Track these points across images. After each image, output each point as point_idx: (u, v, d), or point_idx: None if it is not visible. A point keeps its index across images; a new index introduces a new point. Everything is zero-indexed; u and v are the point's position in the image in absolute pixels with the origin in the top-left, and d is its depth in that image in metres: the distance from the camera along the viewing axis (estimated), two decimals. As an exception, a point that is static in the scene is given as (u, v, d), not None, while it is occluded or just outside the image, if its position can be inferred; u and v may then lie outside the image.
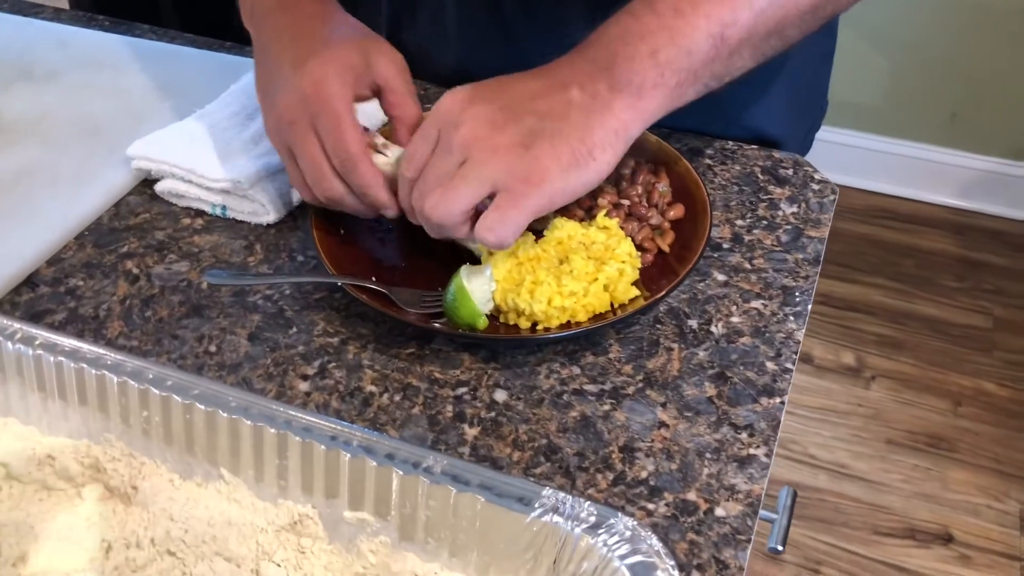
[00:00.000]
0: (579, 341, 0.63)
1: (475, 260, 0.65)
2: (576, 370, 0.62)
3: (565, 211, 0.70)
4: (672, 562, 0.42)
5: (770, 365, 0.62)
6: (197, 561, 0.48)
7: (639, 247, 0.67)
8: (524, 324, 0.62)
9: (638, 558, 0.42)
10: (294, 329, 0.65)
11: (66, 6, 1.42)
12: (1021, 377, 1.82)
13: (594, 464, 0.56)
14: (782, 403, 0.59)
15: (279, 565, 0.48)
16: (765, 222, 0.74)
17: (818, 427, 1.73)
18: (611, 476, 0.55)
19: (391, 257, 0.69)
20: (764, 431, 0.57)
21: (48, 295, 0.68)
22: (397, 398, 0.60)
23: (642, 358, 0.62)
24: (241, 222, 0.74)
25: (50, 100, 0.87)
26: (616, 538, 0.42)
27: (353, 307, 0.66)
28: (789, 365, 0.62)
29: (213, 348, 0.64)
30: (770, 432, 0.57)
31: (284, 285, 0.68)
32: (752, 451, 0.56)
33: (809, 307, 0.66)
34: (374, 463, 0.46)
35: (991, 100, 2.08)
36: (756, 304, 0.66)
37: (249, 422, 0.49)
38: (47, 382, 0.53)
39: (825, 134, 0.97)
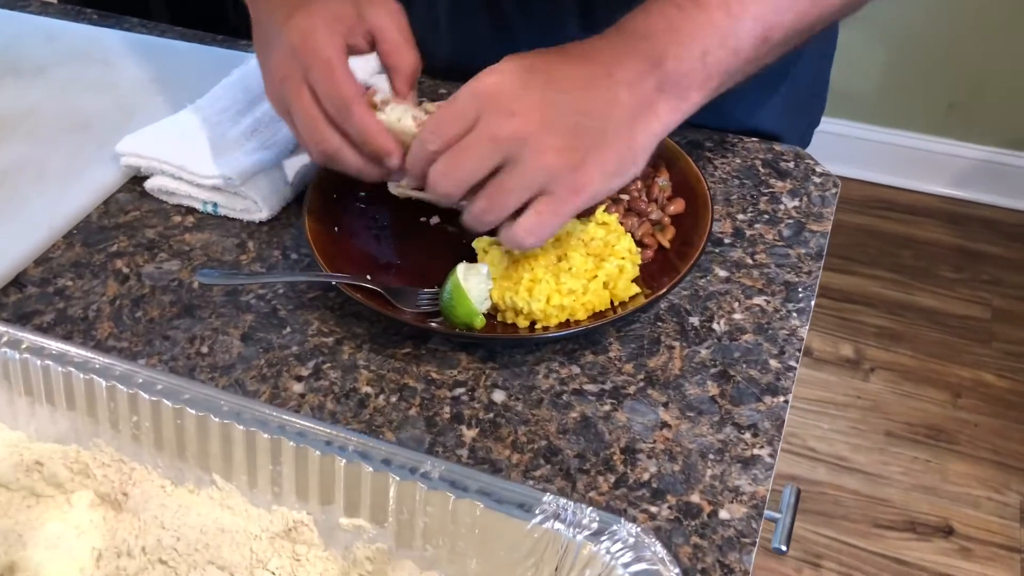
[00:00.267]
0: (578, 340, 0.62)
1: (472, 258, 0.64)
2: (576, 369, 0.60)
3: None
4: (677, 569, 0.41)
5: (773, 363, 0.61)
6: (189, 570, 0.47)
7: (639, 243, 0.66)
8: (522, 323, 0.61)
9: (642, 566, 0.41)
10: (288, 329, 0.64)
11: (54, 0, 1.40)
12: (1020, 368, 1.81)
13: (595, 466, 0.54)
14: (786, 402, 0.58)
15: (273, 573, 0.47)
16: (767, 216, 0.72)
17: (817, 420, 1.73)
18: (612, 478, 0.54)
19: (386, 254, 0.68)
20: (768, 431, 0.56)
21: (36, 296, 0.66)
22: (393, 399, 0.59)
23: (643, 357, 0.61)
24: (233, 219, 0.73)
25: (37, 95, 0.86)
26: (619, 545, 0.41)
27: (348, 306, 0.65)
28: (793, 363, 0.61)
29: (205, 349, 0.62)
30: (774, 432, 0.56)
31: (277, 284, 0.67)
32: (756, 451, 0.55)
33: (812, 303, 0.65)
34: (370, 468, 0.45)
35: (988, 90, 2.07)
36: (758, 300, 0.65)
37: (241, 427, 0.48)
38: (34, 386, 0.52)
39: (822, 124, 0.96)
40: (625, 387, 0.59)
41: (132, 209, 0.74)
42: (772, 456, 0.55)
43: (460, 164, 0.55)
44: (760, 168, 0.77)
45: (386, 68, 0.65)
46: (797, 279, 0.67)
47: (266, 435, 0.47)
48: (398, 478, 0.45)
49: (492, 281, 0.61)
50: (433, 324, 0.60)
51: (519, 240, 0.56)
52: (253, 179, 0.72)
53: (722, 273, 0.67)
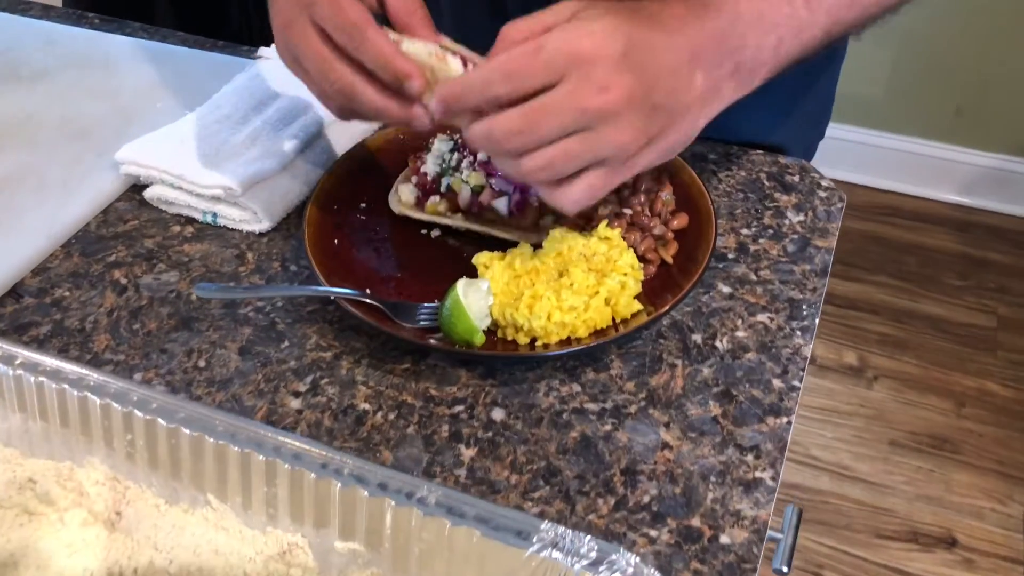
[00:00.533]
0: (579, 356, 0.61)
1: (473, 272, 0.63)
2: (576, 387, 0.60)
3: (565, 221, 0.68)
4: (676, 601, 0.40)
5: (776, 383, 0.60)
6: (182, 592, 0.46)
7: (641, 258, 0.65)
8: (523, 340, 0.60)
9: (641, 597, 0.40)
10: (286, 343, 0.63)
11: (56, 1, 1.39)
12: (1025, 377, 1.80)
13: (595, 488, 0.54)
14: (789, 423, 0.57)
15: (268, 596, 0.46)
16: (771, 231, 0.72)
17: (820, 428, 1.72)
18: (612, 501, 0.53)
19: (387, 268, 0.67)
20: (771, 453, 0.56)
21: (33, 307, 0.66)
22: (391, 416, 0.58)
23: (645, 375, 0.60)
24: (232, 230, 0.72)
25: (37, 101, 0.85)
26: (618, 575, 0.41)
27: (347, 320, 0.64)
28: (796, 383, 0.60)
29: (202, 363, 0.62)
30: (777, 454, 0.56)
31: (276, 297, 0.66)
32: (758, 474, 0.54)
33: (816, 321, 0.64)
34: (366, 493, 0.44)
35: (996, 96, 2.06)
36: (762, 318, 0.64)
37: (236, 448, 0.47)
38: (28, 403, 0.51)
39: (827, 130, 0.95)
40: (626, 406, 0.58)
41: (131, 218, 0.74)
42: (774, 479, 0.54)
43: (538, 125, 0.52)
44: (765, 181, 0.76)
45: (384, 7, 0.61)
46: (801, 296, 0.66)
47: (261, 457, 0.46)
48: (394, 503, 0.44)
49: (492, 297, 0.60)
50: (432, 341, 0.59)
51: (566, 207, 0.55)
52: (253, 189, 0.71)
53: (725, 289, 0.67)
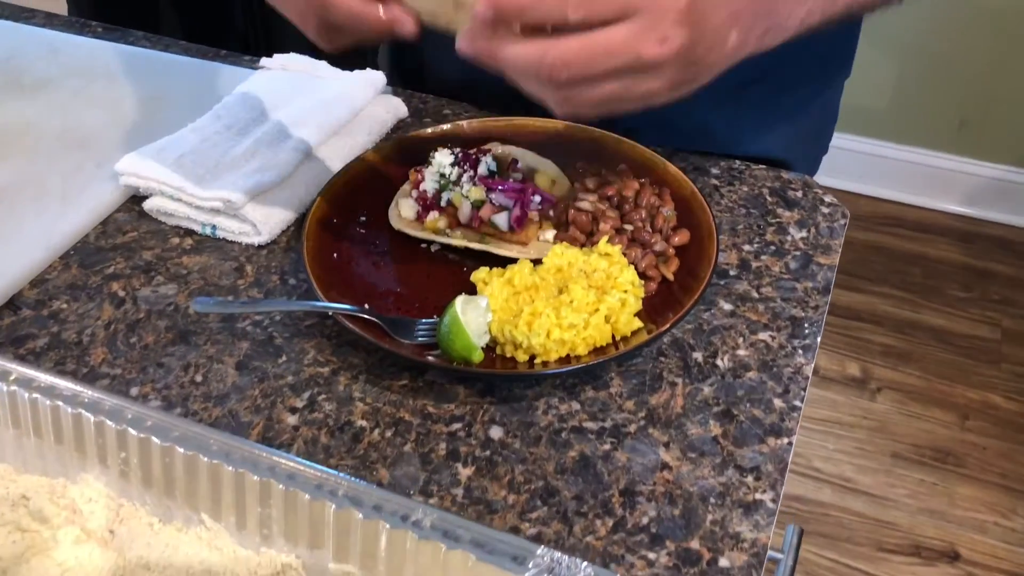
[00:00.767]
0: (579, 374, 0.61)
1: (472, 289, 0.63)
2: (576, 405, 0.59)
3: (566, 237, 0.68)
4: (674, 629, 0.39)
5: (778, 402, 0.59)
6: (175, 613, 0.46)
7: (642, 275, 0.65)
8: (521, 357, 0.60)
9: (638, 625, 0.39)
10: (284, 358, 0.63)
11: (61, 10, 1.39)
12: (1029, 390, 1.80)
13: (593, 509, 0.53)
14: (790, 444, 0.57)
15: (261, 618, 0.46)
16: (773, 247, 0.71)
17: (823, 439, 1.71)
18: (611, 522, 0.52)
19: (386, 282, 0.67)
20: (771, 474, 0.55)
21: (30, 319, 0.65)
22: (388, 434, 0.58)
23: (644, 393, 0.60)
24: (232, 242, 0.72)
25: (38, 110, 0.85)
26: (614, 602, 0.40)
27: (345, 335, 0.64)
28: (797, 403, 0.59)
29: (199, 378, 0.61)
30: (777, 475, 0.55)
31: (274, 311, 0.66)
32: (758, 496, 0.54)
33: (818, 339, 0.64)
34: (360, 515, 0.44)
35: (1000, 108, 2.05)
36: (763, 336, 0.64)
37: (231, 468, 0.46)
38: (22, 419, 0.51)
39: (832, 140, 0.95)
40: (626, 425, 0.58)
41: (130, 230, 0.73)
42: (775, 501, 0.54)
43: (594, 63, 0.51)
44: (767, 197, 0.76)
45: None
46: (803, 314, 0.65)
47: (256, 477, 0.46)
48: (389, 525, 0.44)
49: (491, 314, 0.60)
50: (430, 358, 0.59)
51: (573, 116, 0.55)
52: (253, 202, 0.71)
53: (727, 307, 0.66)
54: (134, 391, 0.60)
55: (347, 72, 0.85)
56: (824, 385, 1.80)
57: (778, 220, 0.74)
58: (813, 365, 0.62)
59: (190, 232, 0.73)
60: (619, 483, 0.55)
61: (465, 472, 0.55)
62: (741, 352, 0.63)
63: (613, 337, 0.61)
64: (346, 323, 0.60)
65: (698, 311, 0.65)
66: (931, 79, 2.06)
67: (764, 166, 0.79)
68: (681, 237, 0.67)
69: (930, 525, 1.57)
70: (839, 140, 2.34)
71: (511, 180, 0.70)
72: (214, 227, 0.72)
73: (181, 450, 0.47)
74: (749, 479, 0.55)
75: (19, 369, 0.51)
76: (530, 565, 0.42)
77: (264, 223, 0.71)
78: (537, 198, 0.69)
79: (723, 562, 0.51)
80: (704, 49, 0.53)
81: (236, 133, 0.77)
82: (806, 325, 0.65)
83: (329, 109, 0.79)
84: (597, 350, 0.60)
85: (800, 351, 0.63)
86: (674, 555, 0.51)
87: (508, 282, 0.62)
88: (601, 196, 0.69)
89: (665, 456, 0.56)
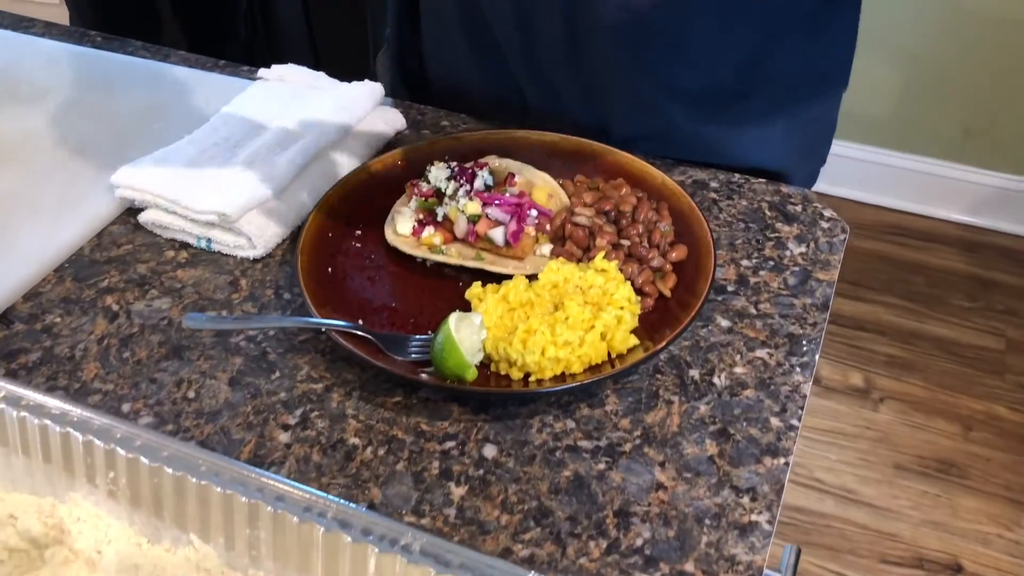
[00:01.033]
0: (574, 392, 0.60)
1: (466, 307, 0.62)
2: (570, 423, 0.59)
3: (562, 251, 0.67)
4: (665, 658, 0.39)
5: (775, 421, 0.59)
6: (162, 636, 0.45)
7: (639, 291, 0.64)
8: (516, 374, 0.59)
9: (628, 654, 0.39)
10: (277, 374, 0.62)
11: (61, 19, 1.39)
12: (1034, 401, 1.78)
13: (587, 530, 0.53)
14: (786, 464, 0.56)
15: (249, 641, 0.45)
16: (772, 263, 0.71)
17: (825, 450, 1.70)
18: (604, 544, 0.52)
19: (380, 297, 0.66)
20: (767, 495, 0.54)
21: (23, 333, 0.65)
22: (381, 452, 0.57)
23: (640, 411, 0.59)
24: (227, 255, 0.72)
25: (35, 121, 0.85)
26: (605, 630, 0.39)
27: (339, 350, 0.63)
28: (795, 422, 0.59)
29: (192, 394, 0.61)
30: (773, 497, 0.54)
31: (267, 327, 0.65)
32: (754, 517, 0.53)
33: (816, 357, 0.63)
34: (349, 539, 0.43)
35: (1005, 116, 2.04)
36: (761, 353, 0.63)
37: (219, 489, 0.46)
38: (10, 437, 0.50)
39: (836, 148, 0.94)
40: (621, 444, 0.57)
41: (125, 242, 0.73)
42: (771, 523, 0.53)
43: None
44: (766, 211, 0.75)
45: None
46: (801, 331, 0.65)
47: (244, 498, 0.45)
48: (378, 549, 0.43)
49: (486, 331, 0.59)
50: (424, 375, 0.58)
51: None
52: (248, 215, 0.70)
53: (724, 323, 0.65)
54: (126, 407, 0.60)
55: (345, 83, 0.84)
56: (826, 395, 1.79)
57: (777, 235, 0.73)
58: (811, 384, 0.61)
59: (185, 245, 0.73)
60: (613, 503, 0.54)
61: (458, 491, 0.55)
62: (738, 370, 0.62)
63: (609, 354, 0.60)
64: (339, 340, 0.59)
65: (695, 327, 0.65)
66: (936, 88, 2.05)
67: (764, 180, 0.78)
68: (678, 252, 0.67)
69: (933, 537, 1.56)
70: (844, 148, 2.33)
71: (508, 194, 0.69)
72: (209, 240, 0.71)
73: (170, 470, 0.47)
74: (745, 500, 0.54)
75: (8, 387, 0.50)
76: (520, 591, 0.41)
77: (259, 237, 0.70)
78: (534, 212, 0.68)
79: (718, 585, 0.50)
80: None
81: (233, 145, 0.77)
82: (804, 342, 0.64)
83: (326, 121, 0.79)
84: (592, 368, 0.59)
85: (798, 368, 0.62)
86: (668, 578, 0.50)
87: (503, 298, 0.61)
88: (598, 210, 0.69)
89: (660, 476, 0.55)
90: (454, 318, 0.58)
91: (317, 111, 0.80)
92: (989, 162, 2.11)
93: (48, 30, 1.00)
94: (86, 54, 0.95)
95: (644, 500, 0.54)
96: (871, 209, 2.20)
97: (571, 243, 0.67)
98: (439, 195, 0.70)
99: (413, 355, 0.60)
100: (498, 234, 0.67)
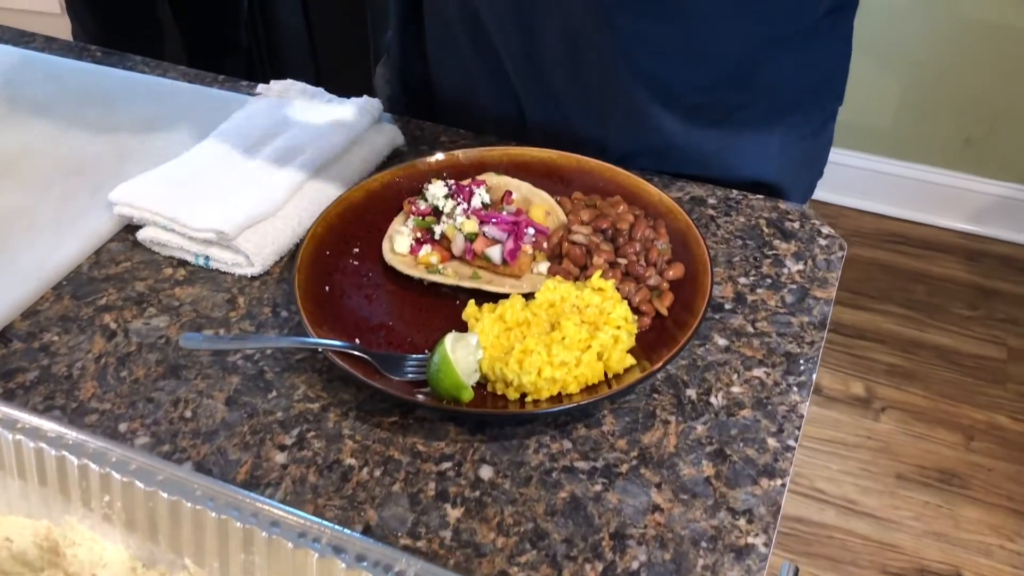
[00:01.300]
0: (571, 412, 0.60)
1: (462, 327, 0.62)
2: (567, 444, 0.59)
3: (559, 269, 0.67)
4: None
5: (771, 442, 0.59)
6: (156, 661, 0.45)
7: (635, 310, 0.64)
8: (512, 394, 0.59)
9: None
10: (273, 393, 0.62)
11: (63, 31, 1.39)
12: (1035, 411, 1.78)
13: (583, 552, 0.53)
14: (783, 485, 0.56)
15: (243, 667, 0.45)
16: (769, 280, 0.71)
17: (826, 460, 1.70)
18: (600, 567, 0.52)
19: (377, 315, 0.66)
20: (764, 517, 0.54)
21: (21, 351, 0.65)
22: (377, 473, 0.57)
23: (637, 431, 0.59)
24: (225, 273, 0.72)
25: (34, 136, 0.85)
26: (599, 659, 0.39)
27: (336, 369, 0.63)
28: (791, 442, 0.59)
29: (188, 413, 0.61)
30: (770, 519, 0.54)
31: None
32: (750, 540, 0.53)
33: (814, 376, 0.63)
34: (343, 565, 0.43)
35: (1006, 125, 2.04)
36: (758, 372, 0.63)
37: (214, 514, 0.46)
38: (6, 459, 0.50)
39: (836, 156, 0.94)
40: (617, 465, 0.57)
41: (123, 260, 0.73)
42: (767, 545, 0.53)
43: None
44: (764, 228, 0.75)
45: None
46: (799, 350, 0.65)
47: (239, 524, 0.45)
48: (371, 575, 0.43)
49: (482, 351, 0.59)
50: (420, 396, 0.58)
51: None
52: (245, 233, 0.70)
53: (721, 342, 0.65)
54: (123, 427, 0.60)
55: (344, 99, 0.84)
56: (827, 404, 1.79)
57: (775, 252, 0.73)
58: (808, 404, 0.61)
59: (183, 262, 0.73)
60: (610, 526, 0.54)
61: (454, 513, 0.55)
62: (735, 389, 0.62)
63: (606, 374, 0.60)
64: (336, 360, 0.59)
65: (692, 346, 0.65)
66: (937, 96, 2.05)
67: (761, 196, 0.78)
68: (675, 271, 0.67)
69: (935, 548, 1.55)
70: (844, 157, 2.33)
71: (505, 212, 0.69)
72: (207, 258, 0.71)
73: (165, 494, 0.47)
74: (741, 522, 0.54)
75: (3, 410, 0.51)
76: (514, 619, 0.41)
77: (257, 254, 0.70)
78: (531, 230, 0.68)
79: (714, 609, 0.50)
80: None
81: (231, 162, 0.77)
82: (801, 361, 0.64)
83: (325, 137, 0.79)
84: (589, 388, 0.59)
85: (795, 388, 0.62)
86: (664, 602, 0.50)
87: (500, 318, 0.61)
88: (595, 228, 0.69)
89: (657, 498, 0.55)
90: (450, 338, 0.58)
91: (316, 128, 0.80)
92: (989, 170, 2.11)
93: (48, 45, 1.01)
94: (86, 69, 0.95)
95: (640, 522, 0.54)
96: (871, 217, 2.20)
97: (568, 261, 0.67)
98: (436, 213, 0.70)
99: (409, 375, 0.60)
100: (495, 252, 0.67)
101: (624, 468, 0.57)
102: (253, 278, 0.71)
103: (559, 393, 0.59)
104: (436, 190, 0.70)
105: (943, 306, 2.00)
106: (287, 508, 0.46)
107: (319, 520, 0.45)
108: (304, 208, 0.74)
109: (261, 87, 0.88)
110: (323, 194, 0.76)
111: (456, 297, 0.67)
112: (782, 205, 0.78)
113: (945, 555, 1.54)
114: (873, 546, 1.56)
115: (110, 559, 0.49)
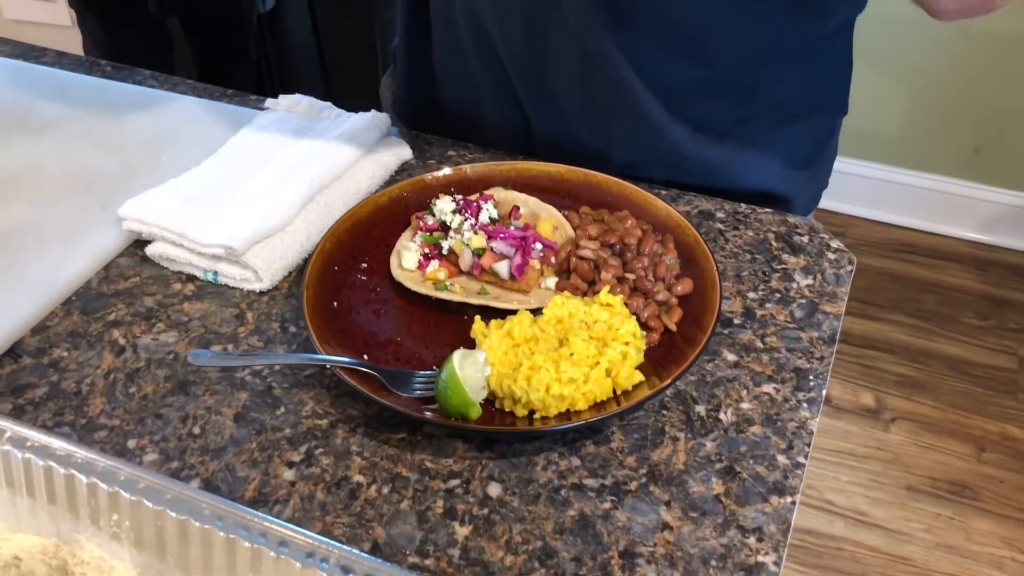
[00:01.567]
0: (579, 429, 0.60)
1: (470, 343, 0.62)
2: (576, 461, 0.58)
3: (567, 285, 0.67)
4: None
5: (781, 459, 0.58)
6: None
7: (644, 325, 0.64)
8: (521, 411, 0.59)
9: None
10: (282, 409, 0.62)
11: (75, 46, 1.40)
12: (1047, 422, 1.77)
13: (592, 571, 0.52)
14: (793, 503, 0.56)
15: None
16: (778, 295, 0.70)
17: (836, 471, 1.69)
18: (609, 586, 0.51)
19: (386, 331, 0.66)
20: (774, 535, 0.54)
21: (31, 367, 0.65)
22: (385, 490, 0.57)
23: (646, 448, 0.59)
24: (233, 288, 0.72)
25: (44, 151, 0.85)
26: None
27: (344, 386, 0.63)
28: (801, 459, 0.58)
29: (197, 430, 0.61)
30: (780, 537, 0.54)
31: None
32: (760, 558, 0.53)
33: (824, 392, 0.63)
34: (351, 585, 0.43)
35: (1015, 134, 2.03)
36: (768, 388, 0.63)
37: (223, 533, 0.46)
38: (15, 478, 0.50)
39: (845, 165, 0.94)
40: (626, 482, 0.57)
41: (132, 275, 0.73)
42: (777, 564, 0.52)
43: None
44: (773, 242, 0.75)
45: None
46: (808, 365, 0.64)
47: (247, 543, 0.45)
48: (380, 596, 0.43)
49: (490, 367, 0.59)
50: (428, 413, 0.58)
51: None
52: (254, 248, 0.71)
53: (731, 357, 0.65)
54: (132, 443, 0.60)
55: (352, 114, 0.85)
56: (837, 415, 1.78)
57: (783, 266, 0.73)
58: (818, 420, 0.61)
59: (192, 278, 0.73)
60: (619, 544, 0.54)
61: (462, 531, 0.54)
62: (745, 405, 0.62)
63: (614, 391, 0.60)
64: (343, 376, 0.59)
65: (701, 362, 0.65)
66: (946, 105, 2.05)
67: (770, 210, 0.78)
68: (684, 286, 0.67)
69: (946, 560, 1.54)
70: (853, 166, 2.33)
71: (512, 227, 0.69)
72: (216, 273, 0.72)
73: (173, 514, 0.47)
74: (751, 540, 0.54)
75: (13, 427, 0.51)
76: (523, 641, 0.41)
77: (265, 270, 0.70)
78: (539, 245, 0.68)
79: (724, 629, 0.49)
80: None
81: (239, 177, 0.77)
82: (811, 377, 0.64)
83: (333, 152, 0.79)
84: (598, 405, 0.59)
85: (805, 404, 0.62)
86: (674, 622, 0.50)
87: (507, 334, 0.61)
88: (603, 243, 0.69)
89: (666, 516, 0.55)
90: (458, 355, 0.58)
91: (324, 143, 0.80)
92: (999, 179, 2.10)
93: (59, 60, 1.01)
94: (95, 84, 0.95)
95: (650, 540, 0.54)
96: (881, 227, 2.20)
97: (576, 276, 0.67)
98: (444, 228, 0.70)
99: (417, 391, 0.60)
100: (503, 268, 0.67)
101: (633, 485, 0.57)
102: (262, 293, 0.71)
103: (567, 410, 0.59)
104: (444, 205, 0.70)
105: (953, 316, 1.99)
106: (295, 528, 0.46)
107: (327, 540, 0.45)
108: (312, 223, 0.74)
109: (269, 102, 0.89)
110: (331, 209, 0.76)
111: (464, 313, 0.67)
112: (791, 219, 0.77)
113: (956, 568, 1.53)
114: (884, 558, 1.55)
115: (118, 578, 0.49)
